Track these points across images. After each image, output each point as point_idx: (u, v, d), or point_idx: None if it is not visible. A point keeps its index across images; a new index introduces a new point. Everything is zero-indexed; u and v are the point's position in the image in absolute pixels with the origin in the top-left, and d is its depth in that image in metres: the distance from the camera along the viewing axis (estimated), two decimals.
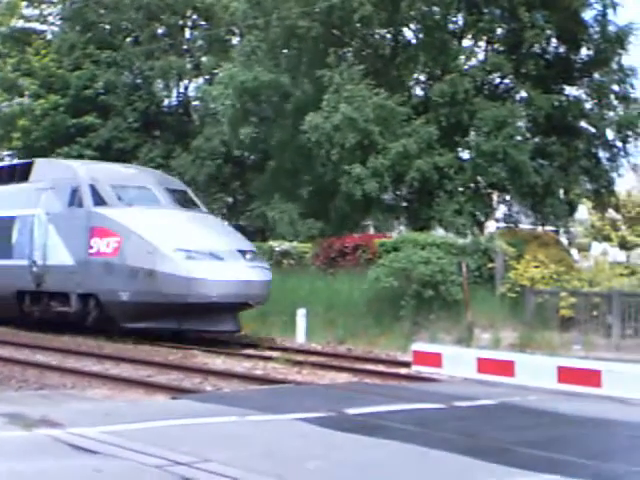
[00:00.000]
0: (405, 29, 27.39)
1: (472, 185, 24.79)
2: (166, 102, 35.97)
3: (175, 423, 7.35)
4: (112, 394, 10.79)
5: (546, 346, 14.32)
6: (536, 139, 25.51)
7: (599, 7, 25.93)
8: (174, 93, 36.04)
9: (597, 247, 34.00)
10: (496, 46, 27.05)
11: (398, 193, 25.68)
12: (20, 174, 20.54)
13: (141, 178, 19.54)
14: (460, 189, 24.17)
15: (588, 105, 26.66)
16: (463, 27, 27.04)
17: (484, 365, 9.51)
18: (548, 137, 25.08)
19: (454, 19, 27.11)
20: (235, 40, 33.15)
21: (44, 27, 36.33)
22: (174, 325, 16.60)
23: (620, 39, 25.82)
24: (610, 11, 25.98)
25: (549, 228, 27.50)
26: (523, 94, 25.75)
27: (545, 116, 24.44)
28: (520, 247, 18.93)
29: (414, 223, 24.61)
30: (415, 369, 10.52)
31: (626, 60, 26.69)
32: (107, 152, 30.72)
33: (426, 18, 25.74)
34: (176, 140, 32.78)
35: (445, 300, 16.95)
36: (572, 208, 27.80)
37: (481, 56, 27.08)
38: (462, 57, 26.35)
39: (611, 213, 42.94)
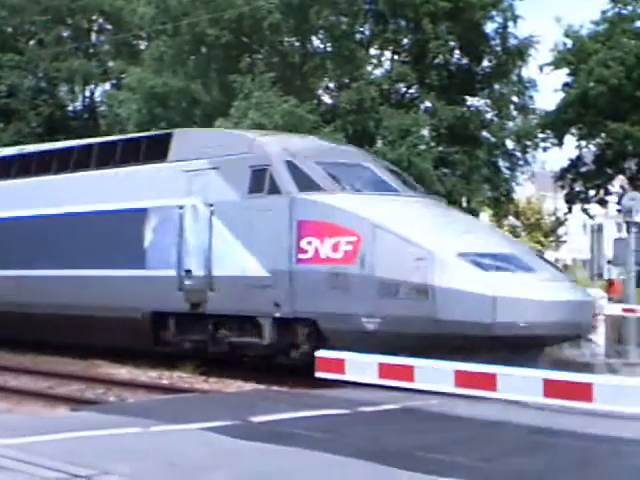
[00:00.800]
0: (314, 38, 27.71)
1: None
2: (71, 107, 35.26)
3: (75, 435, 7.21)
4: (10, 407, 10.51)
5: None
6: (440, 148, 26.21)
7: (500, 20, 26.82)
8: (80, 97, 35.36)
9: None
10: (402, 56, 27.64)
11: None
12: (151, 151, 15.14)
13: (350, 154, 14.68)
14: None
15: (489, 115, 27.53)
16: (370, 37, 27.54)
17: (386, 370, 9.67)
18: (451, 146, 25.83)
19: (361, 29, 27.58)
20: (143, 45, 32.83)
21: None
22: None
23: (520, 51, 26.77)
24: (511, 24, 26.91)
25: None
26: (428, 104, 26.39)
27: (448, 126, 25.15)
28: None
29: None
30: (319, 375, 10.59)
31: (525, 72, 27.68)
32: None
33: (334, 27, 26.12)
34: None
35: None
36: (474, 216, 28.59)
37: (387, 65, 27.61)
38: (369, 66, 26.81)
39: (511, 220, 44.28)
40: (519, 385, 8.83)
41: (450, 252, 11.44)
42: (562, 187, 29.73)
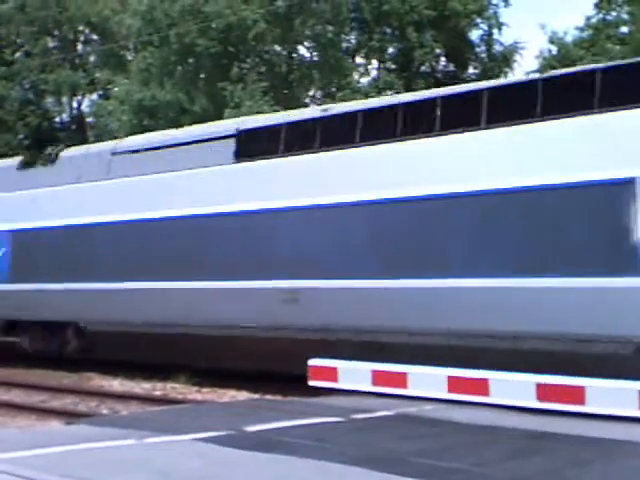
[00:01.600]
0: (300, 47, 27.81)
1: None
2: (59, 118, 35.21)
3: (69, 449, 7.19)
4: (3, 421, 10.48)
5: None
6: None
7: (485, 27, 26.99)
8: (67, 109, 35.31)
9: None
10: (388, 64, 27.77)
11: None
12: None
13: None
14: None
15: None
16: (355, 46, 27.66)
17: (379, 378, 9.69)
18: None
19: (347, 38, 27.69)
20: (130, 55, 32.85)
21: None
22: None
23: (505, 58, 26.93)
24: (496, 31, 27.08)
25: None
26: None
27: None
28: None
29: None
30: (312, 384, 10.61)
31: (512, 78, 27.80)
32: None
33: (319, 36, 26.21)
34: None
35: None
36: None
37: (374, 74, 27.73)
38: (355, 75, 26.91)
39: None
40: (512, 389, 8.88)
41: None
42: None
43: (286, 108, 24.25)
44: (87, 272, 14.94)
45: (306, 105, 27.64)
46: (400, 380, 9.53)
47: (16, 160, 17.90)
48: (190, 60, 26.47)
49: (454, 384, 9.13)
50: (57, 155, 16.93)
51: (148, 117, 26.34)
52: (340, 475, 6.32)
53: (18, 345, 16.56)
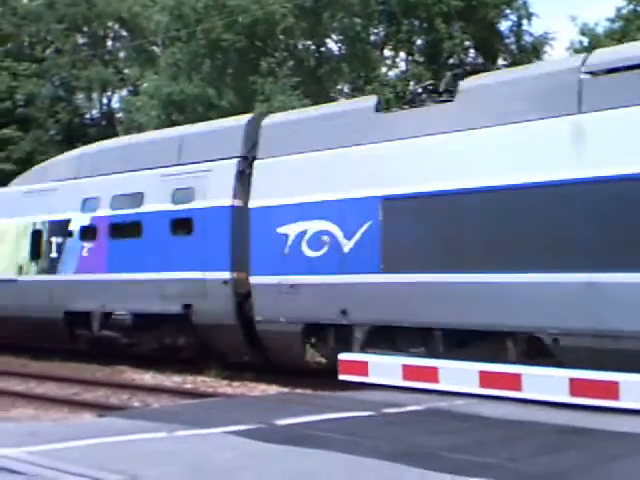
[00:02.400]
0: (328, 41, 27.75)
1: None
2: (89, 114, 35.49)
3: (102, 441, 7.24)
4: (37, 413, 10.60)
5: None
6: None
7: (514, 18, 26.74)
8: (97, 105, 35.58)
9: None
10: (416, 57, 27.61)
11: None
12: None
13: None
14: None
15: None
16: (383, 38, 27.52)
17: (410, 372, 9.65)
18: None
19: (375, 30, 27.57)
20: (159, 51, 33.05)
21: None
22: None
23: (535, 49, 26.65)
24: (525, 22, 26.82)
25: None
26: None
27: None
28: None
29: None
30: (342, 378, 10.59)
31: None
32: (28, 165, 30.14)
33: (347, 29, 26.11)
34: None
35: None
36: None
37: (402, 66, 27.59)
38: (383, 68, 26.79)
39: None
40: (544, 385, 8.79)
41: None
42: None
43: (315, 103, 24.23)
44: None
45: (335, 99, 27.61)
46: (431, 375, 9.49)
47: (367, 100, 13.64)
48: (218, 55, 26.52)
49: (486, 379, 9.07)
50: (454, 87, 12.35)
51: (177, 112, 26.45)
52: (371, 470, 6.30)
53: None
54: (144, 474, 5.97)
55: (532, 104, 10.79)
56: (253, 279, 13.43)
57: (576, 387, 8.60)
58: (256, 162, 13.81)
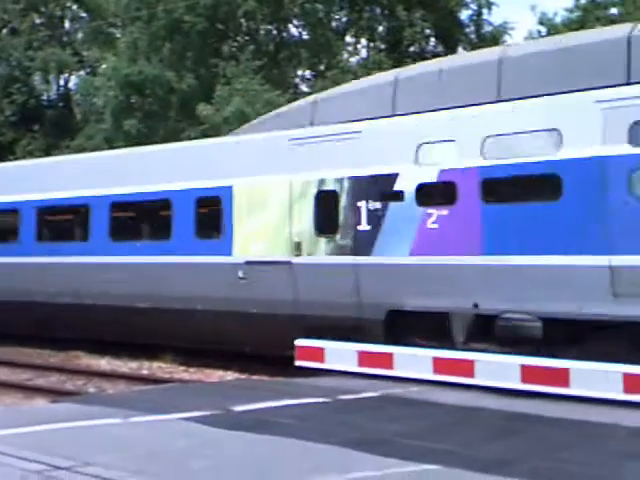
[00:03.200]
0: (289, 26, 27.65)
1: None
2: (46, 95, 34.93)
3: (55, 427, 7.20)
4: None
5: None
6: None
7: (474, 7, 26.89)
8: (54, 86, 35.02)
9: None
10: (377, 44, 27.64)
11: None
12: None
13: None
14: None
15: None
16: (345, 25, 27.50)
17: (365, 358, 9.73)
18: None
19: (336, 17, 27.53)
20: (118, 33, 32.59)
21: None
22: None
23: (495, 38, 26.86)
24: (485, 11, 27.00)
25: None
26: None
27: None
28: None
29: None
30: (298, 364, 10.63)
31: None
32: None
33: (309, 15, 26.04)
34: (57, 134, 31.89)
35: None
36: None
37: (363, 53, 27.60)
38: (344, 54, 26.78)
39: None
40: (497, 371, 8.93)
41: None
42: None
43: (275, 87, 24.16)
44: None
45: (295, 85, 27.55)
46: (386, 361, 9.57)
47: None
48: (178, 37, 26.27)
49: (440, 365, 9.18)
50: None
51: (135, 93, 26.16)
52: (324, 455, 6.36)
53: None
54: (96, 460, 5.96)
55: None
56: None
57: (527, 374, 8.74)
58: None
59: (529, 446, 6.74)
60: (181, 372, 13.22)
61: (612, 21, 25.38)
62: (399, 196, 11.35)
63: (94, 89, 28.44)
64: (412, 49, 26.86)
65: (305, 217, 12.31)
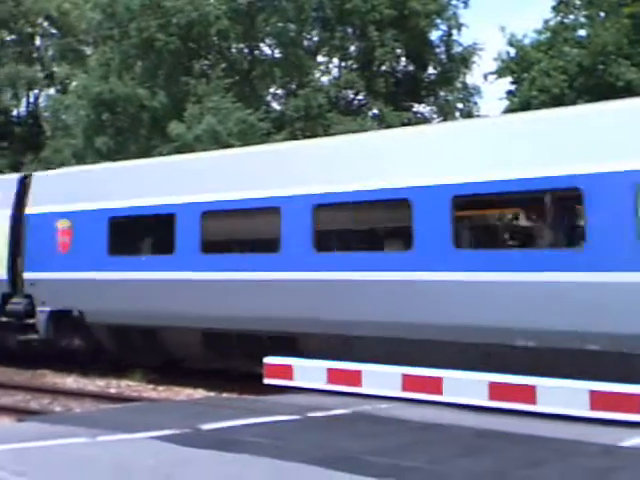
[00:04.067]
0: (262, 44, 27.77)
1: None
2: (16, 112, 34.73)
3: (20, 446, 7.09)
4: None
5: None
6: None
7: (445, 28, 27.19)
8: (23, 103, 34.84)
9: None
10: (349, 63, 27.84)
11: None
12: None
13: None
14: None
15: (435, 122, 27.94)
16: (317, 44, 27.68)
17: (334, 376, 9.72)
18: None
19: (308, 36, 27.71)
20: (89, 50, 32.52)
21: None
22: None
23: (464, 59, 27.16)
24: (455, 32, 27.31)
25: None
26: (375, 110, 26.64)
27: None
28: None
29: None
30: (267, 382, 10.60)
31: (470, 79, 28.18)
32: None
33: (281, 34, 26.18)
34: (26, 150, 31.68)
35: None
36: None
37: (335, 72, 27.78)
38: (316, 73, 26.94)
39: None
40: (465, 388, 8.97)
41: None
42: None
43: (248, 106, 24.21)
44: None
45: (268, 103, 27.62)
46: (355, 378, 9.57)
47: None
48: (150, 55, 26.26)
49: (408, 382, 9.20)
50: None
51: (107, 111, 26.08)
52: (295, 474, 6.33)
53: None
54: None
55: None
56: None
57: (495, 391, 8.80)
58: None
59: (498, 463, 6.76)
60: (149, 390, 13.10)
61: (580, 43, 25.81)
62: None
63: (64, 108, 28.32)
64: (383, 68, 27.08)
65: None
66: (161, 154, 22.63)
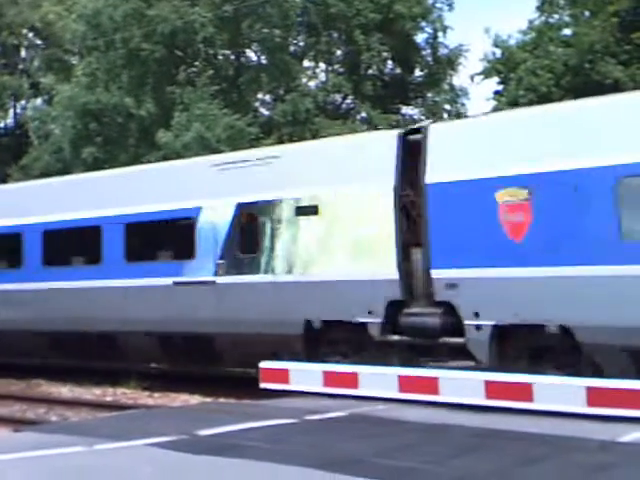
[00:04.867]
0: (248, 50, 27.77)
1: None
2: (3, 123, 34.66)
3: (17, 457, 7.06)
4: None
5: None
6: None
7: (430, 30, 27.24)
8: (10, 114, 34.74)
9: None
10: (336, 67, 27.86)
11: None
12: None
13: None
14: None
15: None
16: (303, 49, 27.69)
17: (330, 378, 9.73)
18: None
19: (294, 41, 27.71)
20: (74, 60, 32.42)
21: None
22: None
23: (450, 60, 27.22)
24: (440, 34, 27.37)
25: None
26: (363, 114, 26.67)
27: None
28: None
29: None
30: (263, 386, 10.59)
31: (457, 81, 28.24)
32: None
33: (267, 40, 26.18)
34: (12, 161, 31.58)
35: None
36: None
37: (322, 77, 27.80)
38: (303, 78, 26.94)
39: None
40: (461, 387, 8.98)
41: None
42: None
43: (235, 112, 24.20)
44: None
45: (255, 108, 27.62)
46: (351, 380, 9.58)
47: None
48: (136, 65, 26.20)
49: (405, 383, 9.21)
50: None
51: (94, 121, 26.02)
52: (295, 477, 6.32)
53: None
54: None
55: None
56: None
57: (491, 389, 8.81)
58: None
59: (497, 461, 6.77)
60: (145, 397, 13.07)
61: (566, 42, 25.90)
62: None
63: (51, 119, 28.25)
64: (370, 71, 27.13)
65: None
66: (149, 162, 22.58)
